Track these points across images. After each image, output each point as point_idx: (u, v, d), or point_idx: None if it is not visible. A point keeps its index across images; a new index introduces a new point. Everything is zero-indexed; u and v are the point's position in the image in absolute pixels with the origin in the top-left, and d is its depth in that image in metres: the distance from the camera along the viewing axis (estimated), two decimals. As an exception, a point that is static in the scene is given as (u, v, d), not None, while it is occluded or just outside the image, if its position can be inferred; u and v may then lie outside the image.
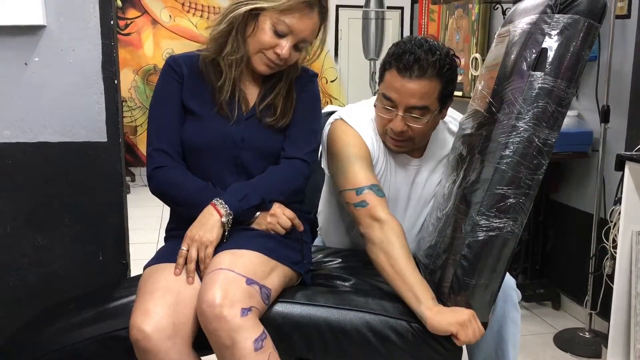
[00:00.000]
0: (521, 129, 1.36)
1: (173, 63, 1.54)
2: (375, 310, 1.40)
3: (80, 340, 1.39)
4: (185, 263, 1.37)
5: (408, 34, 6.64)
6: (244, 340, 1.20)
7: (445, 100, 1.60)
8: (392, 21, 6.99)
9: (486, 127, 1.44)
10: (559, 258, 3.08)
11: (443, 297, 1.43)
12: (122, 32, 5.86)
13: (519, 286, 2.97)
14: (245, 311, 1.22)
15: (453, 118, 1.76)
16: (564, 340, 2.64)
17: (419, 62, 1.52)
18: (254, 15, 1.44)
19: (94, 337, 1.39)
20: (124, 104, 5.72)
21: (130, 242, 1.89)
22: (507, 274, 1.74)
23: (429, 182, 1.72)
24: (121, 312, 1.41)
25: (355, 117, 1.65)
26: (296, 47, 1.49)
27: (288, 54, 1.47)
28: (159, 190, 1.50)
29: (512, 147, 1.36)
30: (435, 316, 1.34)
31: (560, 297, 3.02)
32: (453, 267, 1.41)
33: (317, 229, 1.95)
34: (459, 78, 4.08)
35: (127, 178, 5.26)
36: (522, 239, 3.00)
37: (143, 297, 1.30)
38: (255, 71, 1.52)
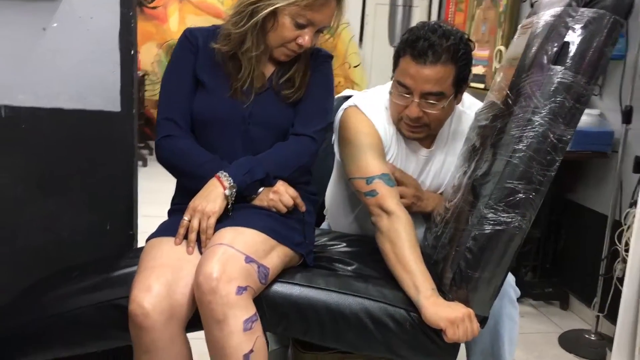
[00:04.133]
0: (536, 123, 1.33)
1: (189, 34, 1.55)
2: (375, 296, 1.40)
3: (80, 306, 1.41)
4: (187, 234, 1.37)
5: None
6: (235, 317, 1.20)
7: (460, 85, 1.58)
8: (419, 9, 6.90)
9: (501, 119, 1.41)
10: (570, 258, 3.04)
11: (445, 289, 1.41)
12: (148, 5, 5.85)
13: (527, 284, 2.99)
14: (240, 290, 1.22)
15: (467, 110, 1.73)
16: (569, 340, 2.61)
17: (433, 47, 1.50)
18: (272, 11, 1.44)
19: (94, 304, 1.40)
20: (145, 77, 5.73)
21: (141, 214, 1.89)
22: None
23: (441, 173, 1.70)
24: (122, 281, 1.41)
25: (368, 104, 1.64)
26: (317, 32, 1.49)
27: (310, 43, 1.47)
28: (165, 159, 1.50)
29: (525, 142, 1.34)
30: (430, 307, 1.33)
31: (568, 298, 2.99)
32: (457, 259, 1.40)
33: (324, 211, 1.94)
34: (482, 70, 4.03)
35: (145, 151, 5.28)
36: (533, 236, 2.98)
37: (144, 272, 1.30)
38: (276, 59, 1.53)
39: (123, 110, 1.75)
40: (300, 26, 1.45)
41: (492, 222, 1.35)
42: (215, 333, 1.21)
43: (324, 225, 1.97)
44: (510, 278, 1.76)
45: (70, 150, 1.75)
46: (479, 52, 4.15)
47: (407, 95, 1.56)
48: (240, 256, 1.27)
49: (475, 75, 4.15)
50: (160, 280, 1.28)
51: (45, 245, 1.78)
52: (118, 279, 1.46)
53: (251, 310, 1.22)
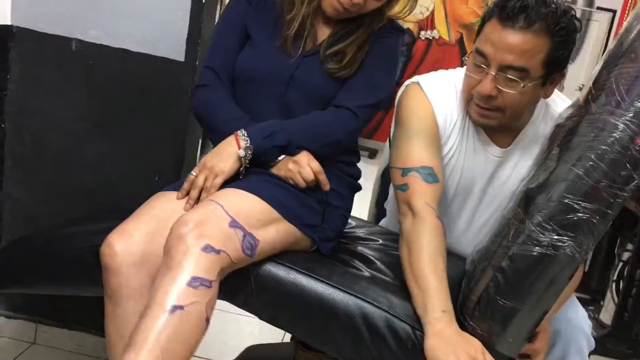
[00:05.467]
0: (616, 127, 1.03)
1: None
2: (379, 303, 1.18)
3: (80, 247, 1.35)
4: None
5: (615, 40, 5.92)
6: (186, 269, 1.04)
7: (553, 68, 1.28)
8: (598, 24, 6.26)
9: (576, 118, 1.13)
10: None
11: (466, 312, 1.16)
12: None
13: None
14: (210, 249, 1.07)
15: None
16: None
17: (526, 10, 1.23)
18: None
19: (92, 246, 1.32)
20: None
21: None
22: (584, 313, 1.42)
23: (512, 179, 1.42)
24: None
25: (434, 83, 1.40)
26: None
27: (361, 0, 1.29)
28: (197, 110, 1.41)
29: (598, 149, 1.04)
30: (430, 337, 1.09)
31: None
32: (486, 280, 1.14)
33: (385, 203, 1.74)
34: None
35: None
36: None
37: (130, 218, 1.22)
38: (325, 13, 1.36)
39: (187, 60, 1.69)
40: None
41: (536, 242, 1.07)
42: (159, 278, 1.07)
43: (382, 222, 1.76)
44: (585, 323, 1.44)
45: (130, 95, 1.73)
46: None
47: (483, 67, 1.29)
48: (225, 218, 1.12)
49: None
50: (140, 227, 1.18)
51: (93, 186, 1.78)
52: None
53: (210, 275, 1.06)
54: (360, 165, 1.50)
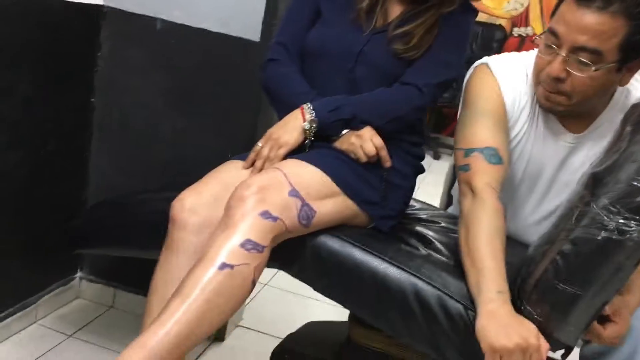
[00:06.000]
0: (694, 106, 0.97)
1: None
2: (433, 280, 1.16)
3: (151, 211, 1.42)
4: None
5: None
6: (241, 230, 1.07)
7: (630, 53, 1.20)
8: None
9: (652, 97, 1.06)
10: None
11: (523, 296, 1.12)
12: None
13: None
14: (267, 215, 1.09)
15: None
16: None
17: None
18: None
19: (160, 212, 1.40)
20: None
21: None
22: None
23: (585, 166, 1.35)
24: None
25: (503, 64, 1.36)
26: None
27: None
28: (266, 83, 1.43)
29: (674, 128, 0.98)
30: (483, 317, 1.05)
31: None
32: (546, 263, 1.09)
33: (452, 190, 1.71)
34: None
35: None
36: None
37: (200, 181, 1.29)
38: None
39: (262, 41, 1.73)
40: None
41: (600, 226, 1.02)
42: (215, 235, 1.11)
43: (449, 209, 1.73)
44: None
45: (207, 73, 1.79)
46: None
47: (554, 47, 1.23)
48: (286, 186, 1.15)
49: None
50: (208, 188, 1.25)
51: (170, 159, 1.86)
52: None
53: (263, 240, 1.08)
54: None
